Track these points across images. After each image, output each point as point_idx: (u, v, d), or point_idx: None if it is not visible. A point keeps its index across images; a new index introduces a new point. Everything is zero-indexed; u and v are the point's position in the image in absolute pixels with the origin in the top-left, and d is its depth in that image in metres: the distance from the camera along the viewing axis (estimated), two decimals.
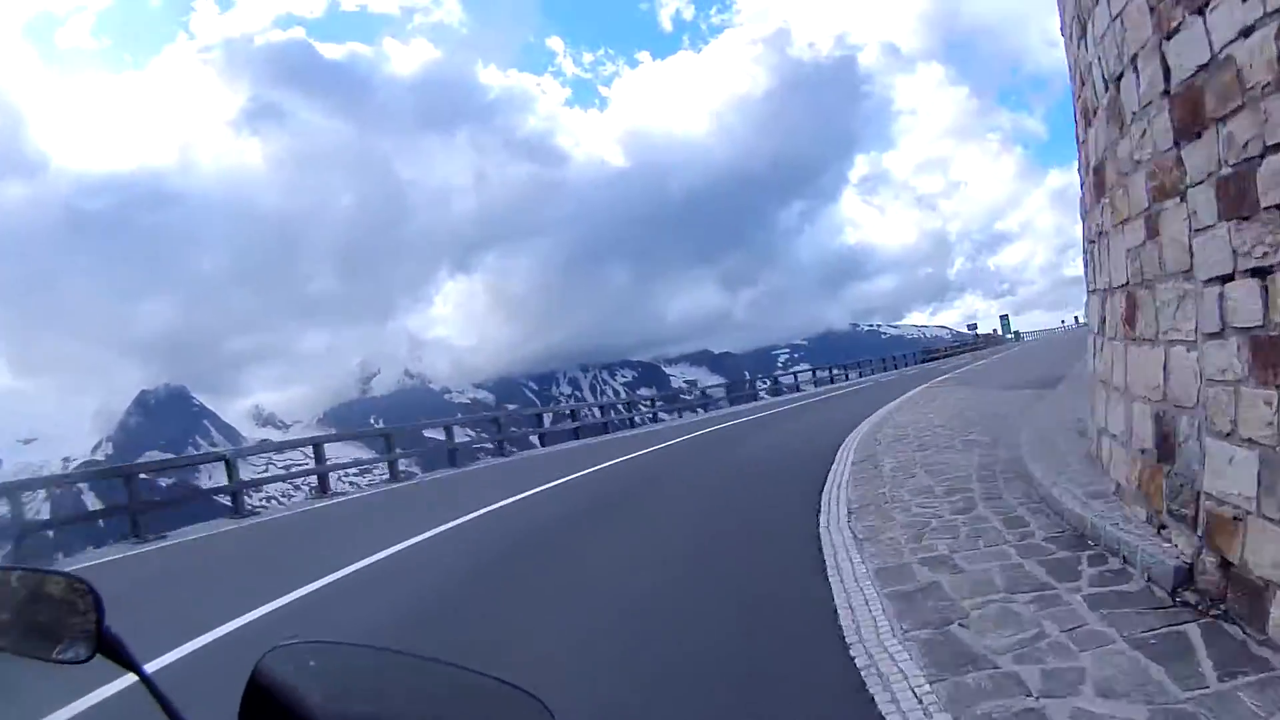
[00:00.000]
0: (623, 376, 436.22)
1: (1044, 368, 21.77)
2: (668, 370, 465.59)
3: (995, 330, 78.58)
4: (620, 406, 37.84)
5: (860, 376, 46.65)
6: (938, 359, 56.13)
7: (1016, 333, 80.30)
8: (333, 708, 0.97)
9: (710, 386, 63.17)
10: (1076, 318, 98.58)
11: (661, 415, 38.57)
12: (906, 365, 53.22)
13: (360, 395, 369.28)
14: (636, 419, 32.42)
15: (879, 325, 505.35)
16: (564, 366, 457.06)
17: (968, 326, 76.23)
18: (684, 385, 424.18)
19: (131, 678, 1.10)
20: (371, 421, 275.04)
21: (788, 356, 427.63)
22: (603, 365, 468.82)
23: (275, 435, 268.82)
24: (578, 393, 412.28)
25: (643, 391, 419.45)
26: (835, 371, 47.67)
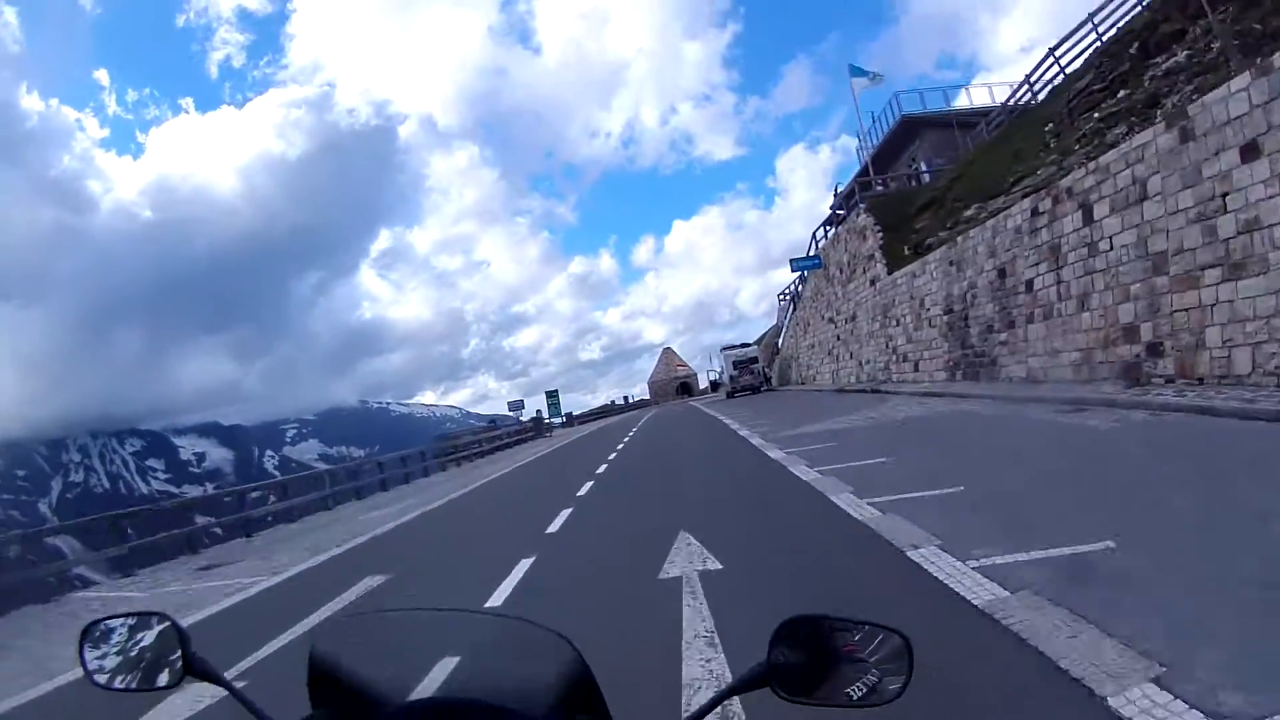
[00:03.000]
0: (131, 446, 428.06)
1: None
2: (177, 441, 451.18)
3: (539, 412, 55.72)
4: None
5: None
6: (469, 455, 32.92)
7: (569, 414, 65.93)
8: (382, 674, 1.16)
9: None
10: (626, 398, 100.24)
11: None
12: (420, 473, 27.72)
13: None
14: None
15: (389, 403, 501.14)
16: (74, 433, 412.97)
17: (509, 405, 50.26)
18: (193, 458, 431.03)
19: (222, 692, 1.25)
20: None
21: (296, 431, 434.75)
22: (112, 433, 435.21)
23: None
24: (88, 460, 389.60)
25: (151, 463, 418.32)
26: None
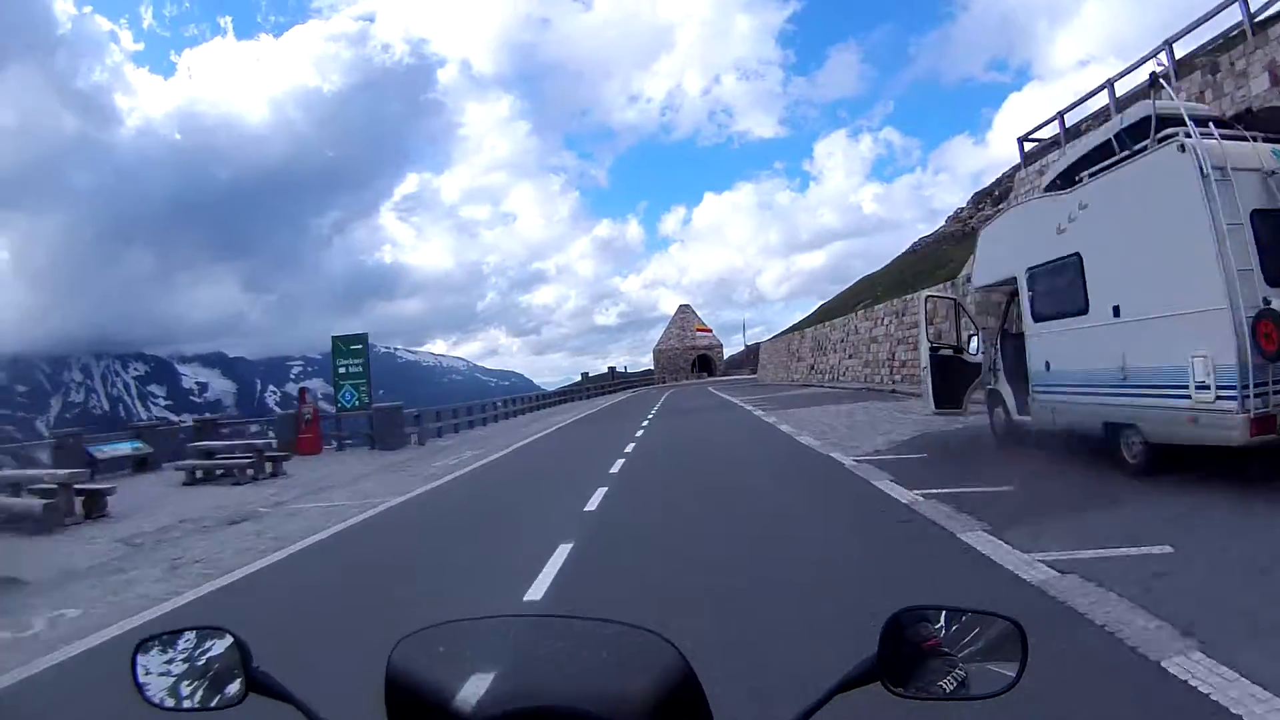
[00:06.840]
0: (135, 370, 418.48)
1: None
2: (180, 369, 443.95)
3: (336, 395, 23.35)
4: None
5: None
6: None
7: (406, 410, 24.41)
8: (469, 686, 0.98)
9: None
10: (613, 369, 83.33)
11: None
12: None
13: None
14: None
15: (397, 348, 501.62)
16: (77, 351, 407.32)
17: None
18: (195, 387, 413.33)
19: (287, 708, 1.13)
20: None
21: (301, 369, 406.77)
22: (116, 355, 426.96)
23: None
24: (89, 380, 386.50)
25: (153, 389, 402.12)
26: None
